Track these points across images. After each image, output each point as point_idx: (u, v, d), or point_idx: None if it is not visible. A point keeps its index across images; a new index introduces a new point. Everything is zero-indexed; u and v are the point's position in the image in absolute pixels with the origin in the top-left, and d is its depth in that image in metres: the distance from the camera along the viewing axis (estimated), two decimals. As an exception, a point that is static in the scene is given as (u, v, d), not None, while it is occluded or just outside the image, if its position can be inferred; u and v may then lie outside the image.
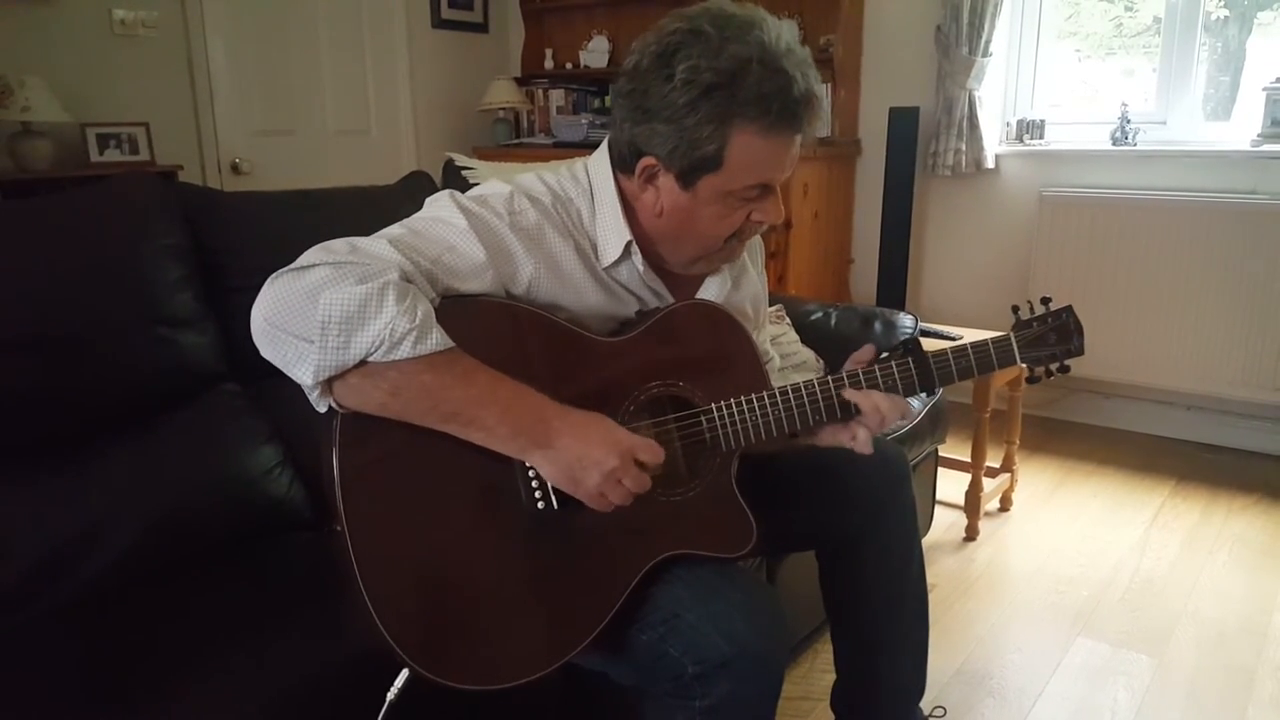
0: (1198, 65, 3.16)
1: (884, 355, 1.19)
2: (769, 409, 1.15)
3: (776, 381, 1.19)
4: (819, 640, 1.95)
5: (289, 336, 0.94)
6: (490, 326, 1.05)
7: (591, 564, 1.07)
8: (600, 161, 1.18)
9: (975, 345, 1.20)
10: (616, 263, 1.15)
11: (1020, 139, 3.46)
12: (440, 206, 1.09)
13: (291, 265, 0.97)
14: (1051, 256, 3.31)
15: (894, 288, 3.46)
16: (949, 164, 3.46)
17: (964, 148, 3.43)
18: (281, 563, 1.39)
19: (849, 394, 1.16)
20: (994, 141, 3.48)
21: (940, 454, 2.44)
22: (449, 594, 1.01)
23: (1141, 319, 3.16)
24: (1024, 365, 1.22)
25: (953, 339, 2.49)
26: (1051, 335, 1.21)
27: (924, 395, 1.22)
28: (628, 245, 1.14)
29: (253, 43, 3.69)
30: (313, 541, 1.44)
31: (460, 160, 2.20)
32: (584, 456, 0.99)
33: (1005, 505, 2.72)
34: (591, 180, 1.18)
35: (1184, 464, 3.05)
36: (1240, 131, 3.08)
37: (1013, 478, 2.71)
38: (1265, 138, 2.93)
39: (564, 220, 1.14)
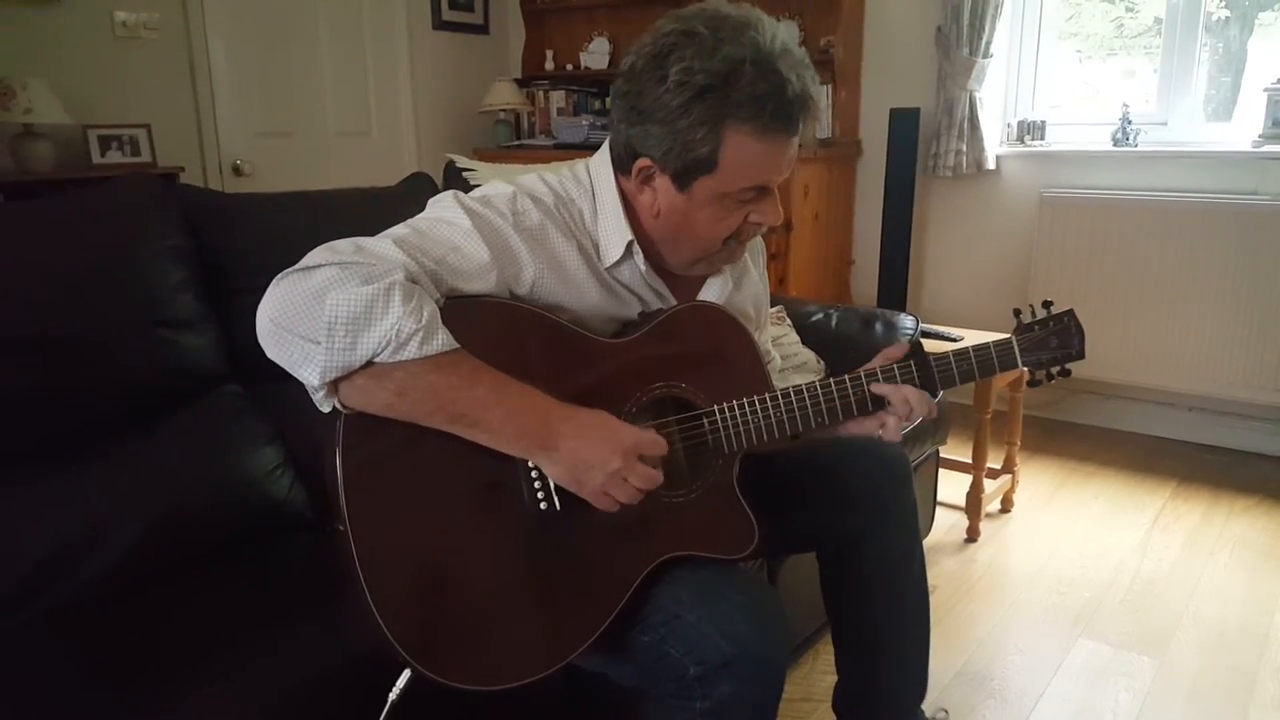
0: (1199, 66, 3.16)
1: None
2: (771, 410, 1.15)
3: (777, 382, 1.19)
4: (820, 641, 1.95)
5: (295, 337, 0.94)
6: (494, 327, 1.05)
7: (593, 565, 1.07)
8: (602, 162, 1.18)
9: (977, 348, 1.20)
10: (618, 263, 1.15)
11: (1021, 140, 3.46)
12: (444, 207, 1.09)
13: (297, 266, 0.97)
14: (1052, 257, 3.31)
15: (895, 289, 3.46)
16: (950, 165, 3.46)
17: (965, 149, 3.43)
18: (283, 564, 1.39)
19: (878, 388, 1.17)
20: (995, 142, 3.48)
21: (941, 455, 2.44)
22: (450, 595, 1.01)
23: (1142, 320, 3.16)
24: (1025, 368, 1.22)
25: (953, 340, 2.49)
26: (1053, 339, 1.21)
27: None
28: (629, 245, 1.14)
29: (254, 44, 3.70)
30: (314, 542, 1.44)
31: (461, 162, 2.21)
32: (588, 457, 1.00)
33: (1006, 506, 2.72)
34: (593, 181, 1.18)
35: (1185, 465, 3.05)
36: (1241, 132, 3.08)
37: (1014, 479, 2.71)
38: (1266, 138, 2.93)
39: (566, 221, 1.14)
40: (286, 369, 0.97)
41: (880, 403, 1.18)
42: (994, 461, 2.64)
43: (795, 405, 1.16)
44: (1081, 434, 3.38)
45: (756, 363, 1.19)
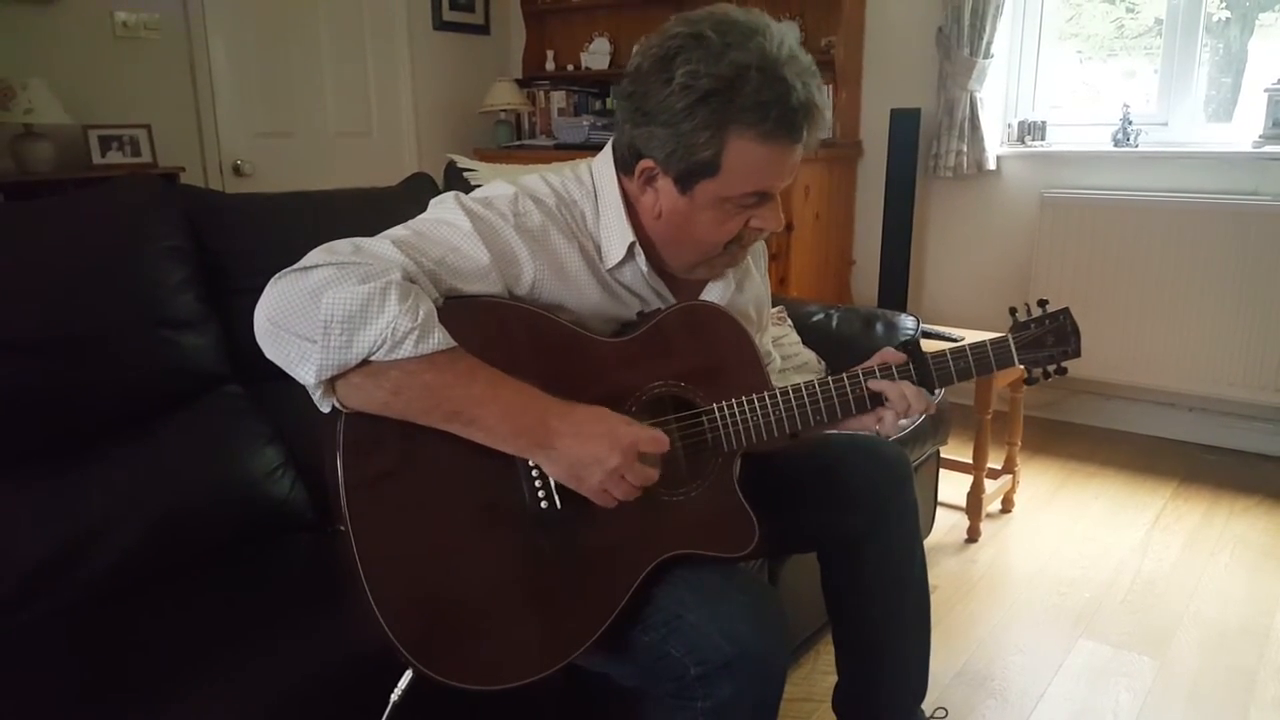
0: (1199, 66, 3.16)
1: None
2: (770, 409, 1.15)
3: (777, 382, 1.20)
4: (821, 641, 1.95)
5: (292, 336, 0.95)
6: (492, 327, 1.05)
7: (594, 565, 1.07)
8: (604, 163, 1.18)
9: (973, 347, 1.21)
10: (620, 264, 1.16)
11: (1022, 140, 3.46)
12: (445, 208, 1.09)
13: (295, 266, 0.97)
14: (1053, 258, 3.31)
15: (895, 289, 3.46)
16: (950, 165, 3.46)
17: (965, 149, 3.43)
18: (284, 564, 1.39)
19: (876, 385, 1.18)
20: (995, 143, 3.48)
21: (942, 455, 2.44)
22: (452, 595, 1.01)
23: (1143, 320, 3.16)
24: (1022, 367, 1.23)
25: (954, 340, 2.49)
26: (1049, 337, 1.21)
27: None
28: (631, 247, 1.14)
29: (254, 45, 3.70)
30: (315, 542, 1.44)
31: (462, 162, 2.21)
32: (586, 454, 1.00)
33: (1007, 507, 2.72)
34: (595, 182, 1.18)
35: (1186, 465, 3.05)
36: (1242, 133, 3.08)
37: (1014, 479, 2.71)
38: (1267, 139, 2.93)
39: (568, 222, 1.14)
40: (283, 368, 0.97)
41: (879, 400, 1.19)
42: (994, 462, 2.64)
43: (794, 404, 1.16)
44: (1082, 434, 3.38)
45: (755, 361, 1.19)
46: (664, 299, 1.20)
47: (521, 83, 4.58)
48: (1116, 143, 3.23)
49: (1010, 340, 1.21)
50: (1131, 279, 3.15)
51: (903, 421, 1.23)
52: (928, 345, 1.29)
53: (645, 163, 1.10)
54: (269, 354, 0.98)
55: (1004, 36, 3.36)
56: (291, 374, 0.97)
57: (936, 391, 1.23)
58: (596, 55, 4.43)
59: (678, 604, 1.07)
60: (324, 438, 1.01)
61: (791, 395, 1.16)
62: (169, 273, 1.47)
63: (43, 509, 1.29)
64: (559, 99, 4.49)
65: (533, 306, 1.09)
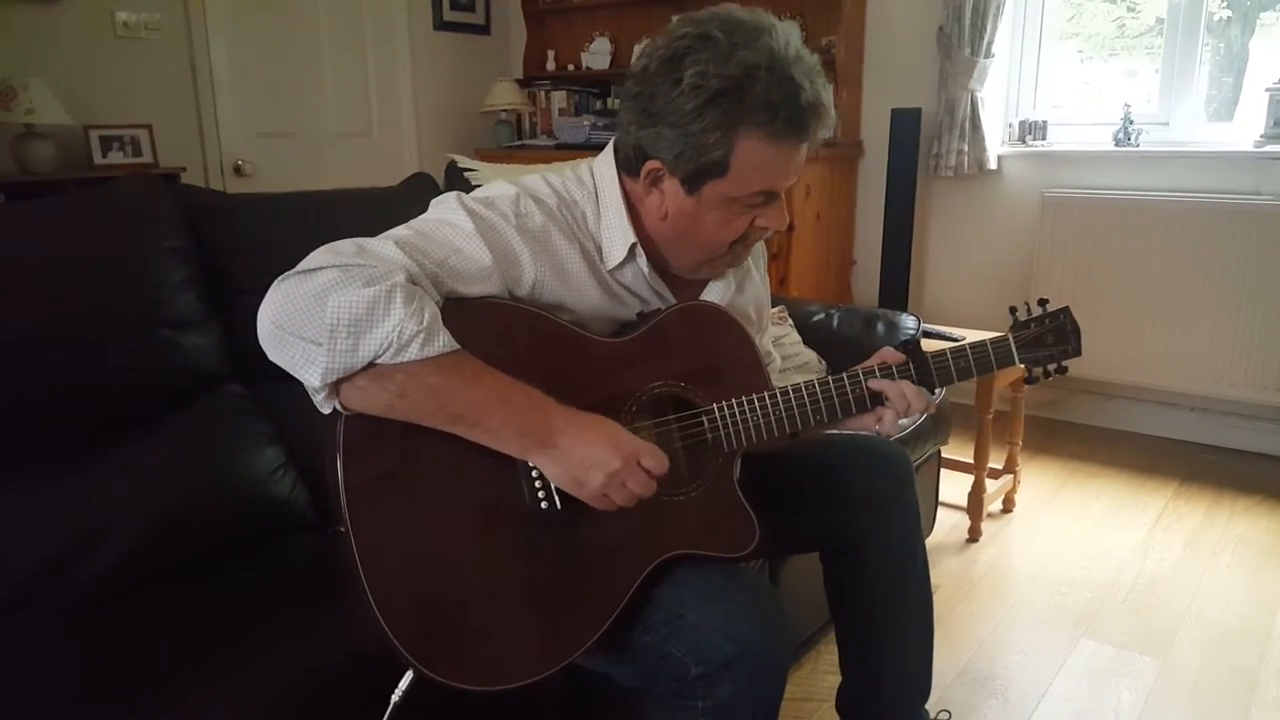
0: (1200, 66, 3.15)
1: None
2: (770, 408, 1.15)
3: (777, 382, 1.20)
4: (822, 641, 1.95)
5: (296, 339, 0.94)
6: (494, 328, 1.05)
7: (594, 565, 1.07)
8: (605, 163, 1.18)
9: (973, 346, 1.21)
10: (621, 265, 1.15)
11: (1023, 140, 3.46)
12: (447, 209, 1.09)
13: (298, 267, 0.97)
14: (1054, 257, 3.30)
15: (896, 289, 3.46)
16: (951, 165, 3.46)
17: (966, 149, 3.43)
18: (284, 564, 1.39)
19: (876, 384, 1.18)
20: (996, 142, 3.48)
21: (943, 455, 2.43)
22: (452, 595, 1.01)
23: (1144, 320, 3.15)
24: (1022, 366, 1.23)
25: (955, 340, 2.49)
26: (1049, 336, 1.21)
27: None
28: (632, 248, 1.14)
29: (255, 45, 3.70)
30: (315, 543, 1.44)
31: (462, 162, 2.21)
32: (587, 457, 1.00)
33: (1008, 506, 2.72)
34: (596, 182, 1.18)
35: (1187, 465, 3.05)
36: (1243, 132, 3.08)
37: (1015, 479, 2.71)
38: (1268, 139, 2.93)
39: (569, 223, 1.14)
40: (288, 370, 0.97)
41: (879, 399, 1.19)
42: (995, 462, 2.64)
43: (794, 403, 1.16)
44: (1083, 434, 3.38)
45: (755, 361, 1.19)
46: (664, 299, 1.20)
47: (522, 83, 4.58)
48: (1118, 142, 3.23)
49: (1010, 339, 1.21)
50: (1132, 278, 3.15)
51: (903, 421, 1.23)
52: (928, 345, 1.29)
53: (652, 164, 1.10)
54: (273, 356, 0.97)
55: (1005, 36, 3.36)
56: (296, 376, 0.97)
57: (936, 391, 1.23)
58: (597, 55, 4.43)
59: (678, 604, 1.07)
60: (324, 439, 1.01)
61: (791, 395, 1.16)
62: (170, 273, 1.47)
63: (43, 509, 1.29)
64: (559, 99, 4.49)
65: (533, 307, 1.09)
